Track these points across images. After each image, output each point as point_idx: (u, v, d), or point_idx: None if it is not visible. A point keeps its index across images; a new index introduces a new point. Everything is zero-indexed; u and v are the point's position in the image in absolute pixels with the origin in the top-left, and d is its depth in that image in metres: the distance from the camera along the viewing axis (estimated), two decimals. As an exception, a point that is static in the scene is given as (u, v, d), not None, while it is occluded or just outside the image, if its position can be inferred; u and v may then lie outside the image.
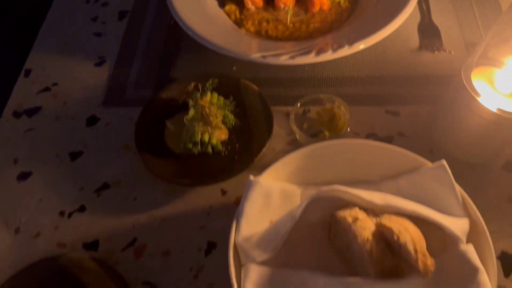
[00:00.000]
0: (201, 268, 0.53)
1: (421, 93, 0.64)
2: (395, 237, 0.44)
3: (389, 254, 0.46)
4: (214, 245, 0.55)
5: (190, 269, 0.53)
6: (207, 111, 0.59)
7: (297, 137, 0.60)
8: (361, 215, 0.46)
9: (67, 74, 0.72)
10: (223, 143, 0.61)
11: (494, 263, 0.44)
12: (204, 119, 0.58)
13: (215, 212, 0.57)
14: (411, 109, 0.63)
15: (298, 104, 0.60)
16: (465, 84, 0.51)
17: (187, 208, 0.58)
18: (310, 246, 0.51)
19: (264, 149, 0.58)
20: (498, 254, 0.52)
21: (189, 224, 0.56)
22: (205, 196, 0.58)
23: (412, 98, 0.64)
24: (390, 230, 0.44)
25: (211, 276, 0.53)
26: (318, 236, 0.51)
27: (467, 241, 0.46)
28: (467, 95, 0.51)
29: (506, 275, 0.51)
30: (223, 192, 0.59)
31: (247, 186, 0.50)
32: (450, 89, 0.56)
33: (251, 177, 0.50)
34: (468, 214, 0.47)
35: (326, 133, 0.60)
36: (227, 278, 0.51)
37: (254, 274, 0.46)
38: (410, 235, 0.44)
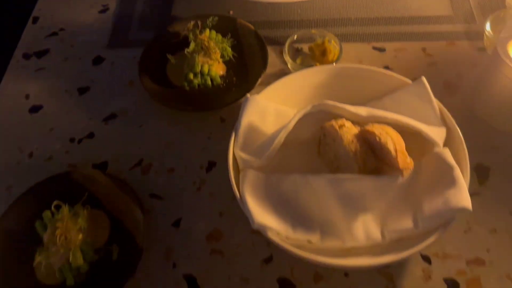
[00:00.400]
0: (203, 182, 0.58)
1: (406, 31, 0.69)
2: (377, 139, 0.48)
3: (372, 157, 0.51)
4: (214, 163, 0.60)
5: (193, 183, 0.58)
6: (207, 44, 0.63)
7: (289, 66, 0.65)
8: (347, 123, 0.51)
9: (73, 20, 0.76)
10: (221, 77, 0.65)
11: (467, 164, 0.49)
12: (204, 51, 0.63)
13: (215, 137, 0.62)
14: (396, 45, 0.68)
15: (295, 37, 0.65)
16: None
17: (189, 133, 0.62)
18: (301, 160, 0.56)
19: (259, 79, 0.63)
20: (474, 166, 0.57)
21: (191, 146, 0.61)
22: (206, 123, 0.63)
23: (397, 35, 0.69)
24: (372, 133, 0.49)
25: (212, 188, 0.57)
26: (309, 152, 0.56)
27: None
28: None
29: (481, 183, 0.56)
30: (222, 120, 0.63)
31: (244, 103, 0.54)
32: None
33: (248, 95, 0.55)
34: (445, 124, 0.52)
35: (318, 65, 0.65)
36: (226, 189, 0.56)
37: (251, 177, 0.51)
38: (390, 137, 0.49)
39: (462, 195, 0.46)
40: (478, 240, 0.52)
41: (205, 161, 0.60)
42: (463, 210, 0.45)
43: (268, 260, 0.52)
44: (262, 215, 0.47)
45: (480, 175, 0.56)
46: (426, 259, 0.51)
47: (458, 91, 0.63)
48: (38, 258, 0.50)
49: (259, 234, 0.53)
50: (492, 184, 0.56)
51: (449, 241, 0.52)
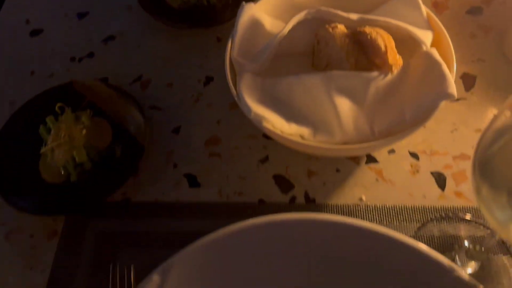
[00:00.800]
0: (201, 94, 0.60)
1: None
2: (368, 36, 0.51)
3: (364, 57, 0.53)
4: (212, 78, 0.62)
5: (191, 96, 0.60)
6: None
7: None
8: (340, 25, 0.53)
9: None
10: (217, -1, 0.67)
11: (453, 63, 0.51)
12: (198, -30, 0.65)
13: (212, 55, 0.64)
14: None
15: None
16: None
17: (186, 52, 0.64)
18: (295, 71, 0.58)
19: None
20: (461, 74, 0.59)
21: (188, 63, 0.63)
22: (203, 43, 0.65)
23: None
24: (364, 33, 0.51)
25: (209, 100, 0.60)
26: (303, 64, 0.58)
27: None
28: None
29: (467, 90, 0.58)
30: (219, 39, 0.65)
31: (240, 10, 0.56)
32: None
33: (244, 3, 0.56)
34: (432, 28, 0.55)
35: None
36: (223, 100, 0.58)
37: (247, 79, 0.53)
38: (381, 35, 0.51)
39: (447, 85, 0.48)
40: (464, 139, 0.54)
41: (203, 76, 0.62)
42: (449, 96, 0.47)
43: (264, 160, 0.55)
44: (258, 107, 0.49)
45: (467, 83, 0.59)
46: (414, 155, 0.54)
47: (446, 10, 0.65)
48: (43, 150, 0.52)
49: (255, 139, 0.56)
50: (477, 91, 0.58)
51: (436, 140, 0.54)
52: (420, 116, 0.48)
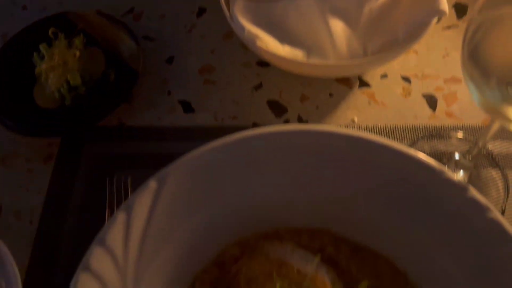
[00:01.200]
0: (194, 25, 0.60)
1: None
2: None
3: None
4: (205, 10, 0.61)
5: (184, 27, 0.60)
6: None
7: None
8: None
9: None
10: None
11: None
12: None
13: (206, -11, 0.64)
14: None
15: None
16: None
17: (178, -14, 0.64)
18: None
19: None
20: (453, 3, 0.59)
21: (181, -5, 0.63)
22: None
23: None
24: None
25: (202, 31, 0.60)
26: None
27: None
28: None
29: (459, 18, 0.59)
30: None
31: None
32: None
33: None
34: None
35: None
36: (216, 31, 0.59)
37: (241, 5, 0.53)
38: (374, -44, 0.51)
39: (439, 2, 0.48)
40: (455, 63, 0.55)
41: (195, 7, 0.62)
42: (440, 12, 0.47)
43: (258, 87, 0.55)
44: (252, 27, 0.49)
45: (459, 11, 0.59)
46: (406, 79, 0.54)
47: None
48: (37, 70, 0.52)
49: (249, 67, 0.57)
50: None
51: (428, 65, 0.55)
52: (413, 34, 0.48)
